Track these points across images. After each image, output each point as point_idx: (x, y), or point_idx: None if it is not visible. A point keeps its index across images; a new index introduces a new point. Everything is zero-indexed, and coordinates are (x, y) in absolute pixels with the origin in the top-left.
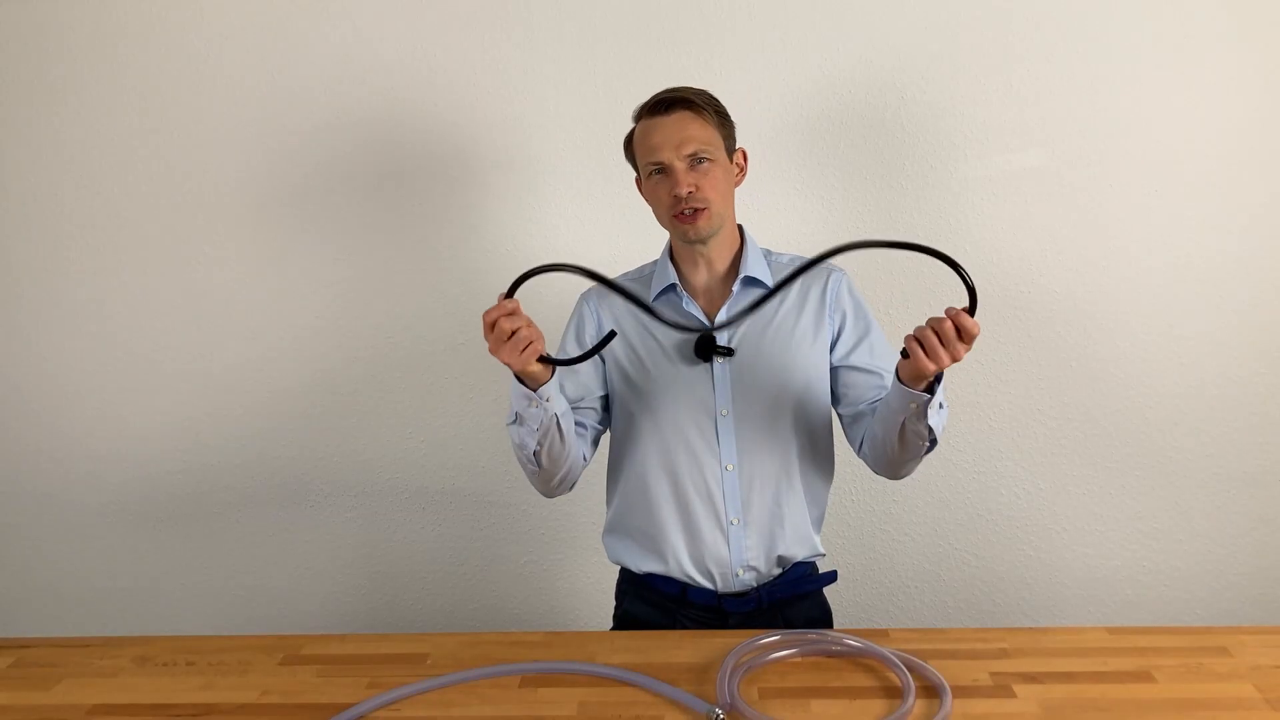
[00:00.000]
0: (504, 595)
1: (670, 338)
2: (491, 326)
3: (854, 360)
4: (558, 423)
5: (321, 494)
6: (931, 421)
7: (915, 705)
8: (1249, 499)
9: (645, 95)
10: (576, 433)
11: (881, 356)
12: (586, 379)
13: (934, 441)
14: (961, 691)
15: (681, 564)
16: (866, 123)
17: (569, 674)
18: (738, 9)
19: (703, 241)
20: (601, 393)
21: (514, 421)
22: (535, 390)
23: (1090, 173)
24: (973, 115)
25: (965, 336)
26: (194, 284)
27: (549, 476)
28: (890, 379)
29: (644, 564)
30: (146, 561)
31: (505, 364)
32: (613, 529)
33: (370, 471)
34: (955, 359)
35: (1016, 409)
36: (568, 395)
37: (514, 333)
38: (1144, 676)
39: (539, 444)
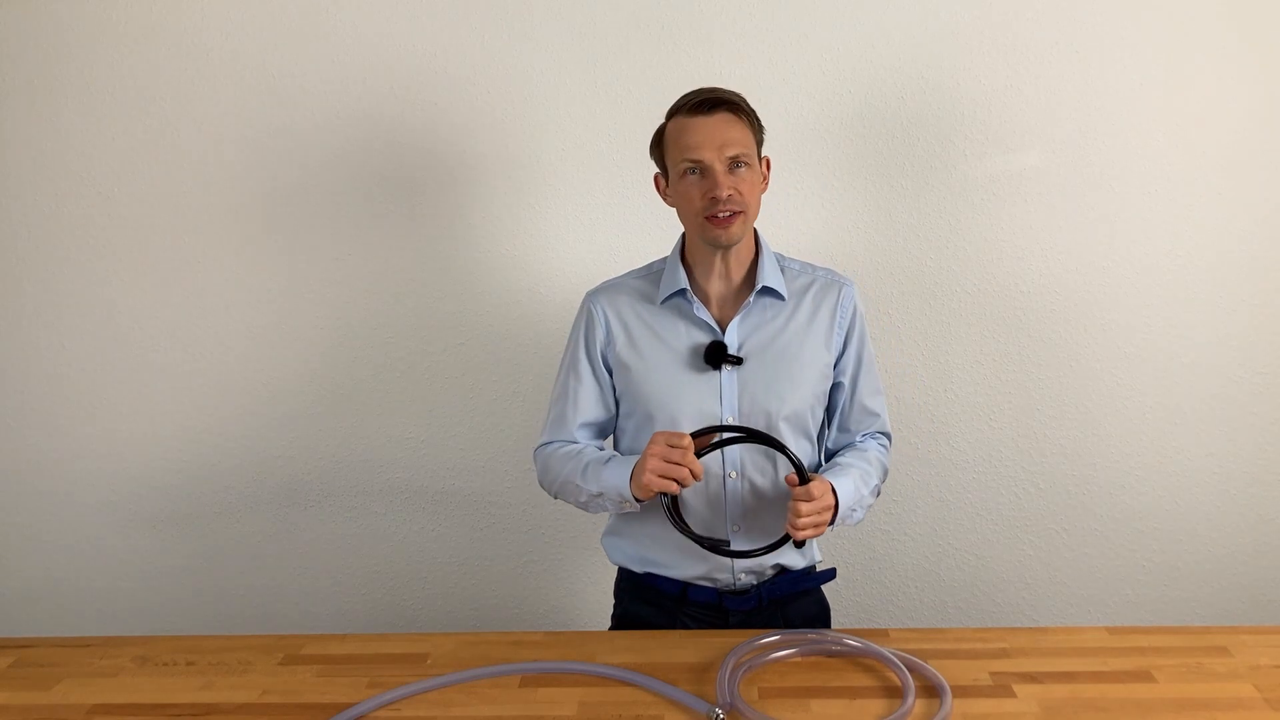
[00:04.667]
0: (504, 595)
1: (680, 344)
2: (664, 459)
3: (844, 381)
4: None
5: (321, 494)
6: (850, 522)
7: (915, 705)
8: (1249, 499)
9: (646, 96)
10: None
11: (865, 390)
12: (594, 406)
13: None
14: (961, 691)
15: (682, 567)
16: (866, 123)
17: (569, 674)
18: (737, 10)
19: (730, 246)
20: (609, 416)
21: (597, 495)
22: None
23: (1090, 173)
24: (973, 115)
25: (803, 510)
26: (194, 284)
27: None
28: (874, 411)
29: (645, 565)
30: (146, 561)
31: (647, 478)
32: (614, 531)
33: (370, 471)
34: (815, 526)
35: (1016, 409)
36: (579, 417)
37: (674, 472)
38: (1144, 676)
39: (603, 507)
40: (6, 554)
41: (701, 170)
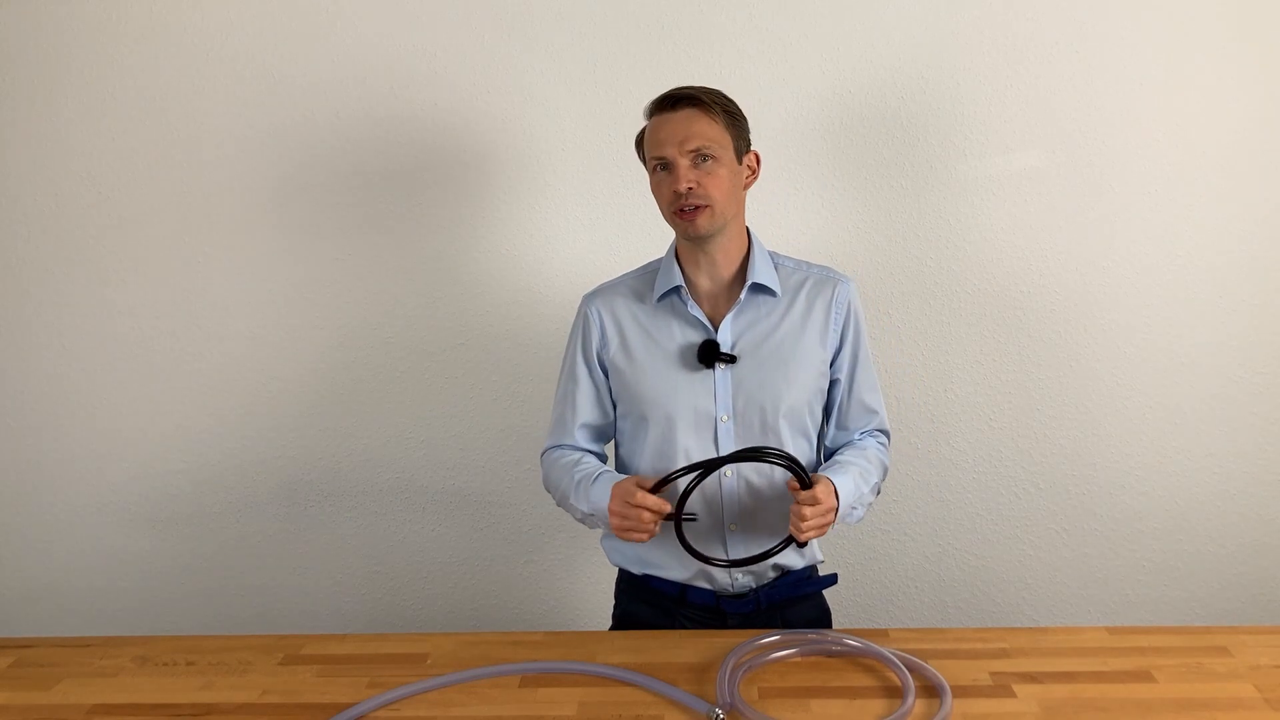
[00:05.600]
0: (504, 595)
1: (673, 343)
2: (630, 523)
3: (841, 378)
4: None
5: (321, 494)
6: (851, 520)
7: (915, 705)
8: (1249, 499)
9: (646, 96)
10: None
11: (863, 387)
12: (591, 409)
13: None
14: (961, 691)
15: (680, 569)
16: (867, 123)
17: (569, 674)
18: (738, 10)
19: (703, 239)
20: (607, 420)
21: (590, 514)
22: None
23: (1090, 173)
24: (973, 115)
25: (807, 515)
26: (194, 284)
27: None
28: (872, 408)
29: (643, 566)
30: (146, 561)
31: (615, 532)
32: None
33: (370, 471)
34: (819, 528)
35: (1016, 409)
36: (577, 420)
37: (630, 526)
38: (1144, 676)
39: (594, 527)
40: (6, 554)
41: (666, 166)
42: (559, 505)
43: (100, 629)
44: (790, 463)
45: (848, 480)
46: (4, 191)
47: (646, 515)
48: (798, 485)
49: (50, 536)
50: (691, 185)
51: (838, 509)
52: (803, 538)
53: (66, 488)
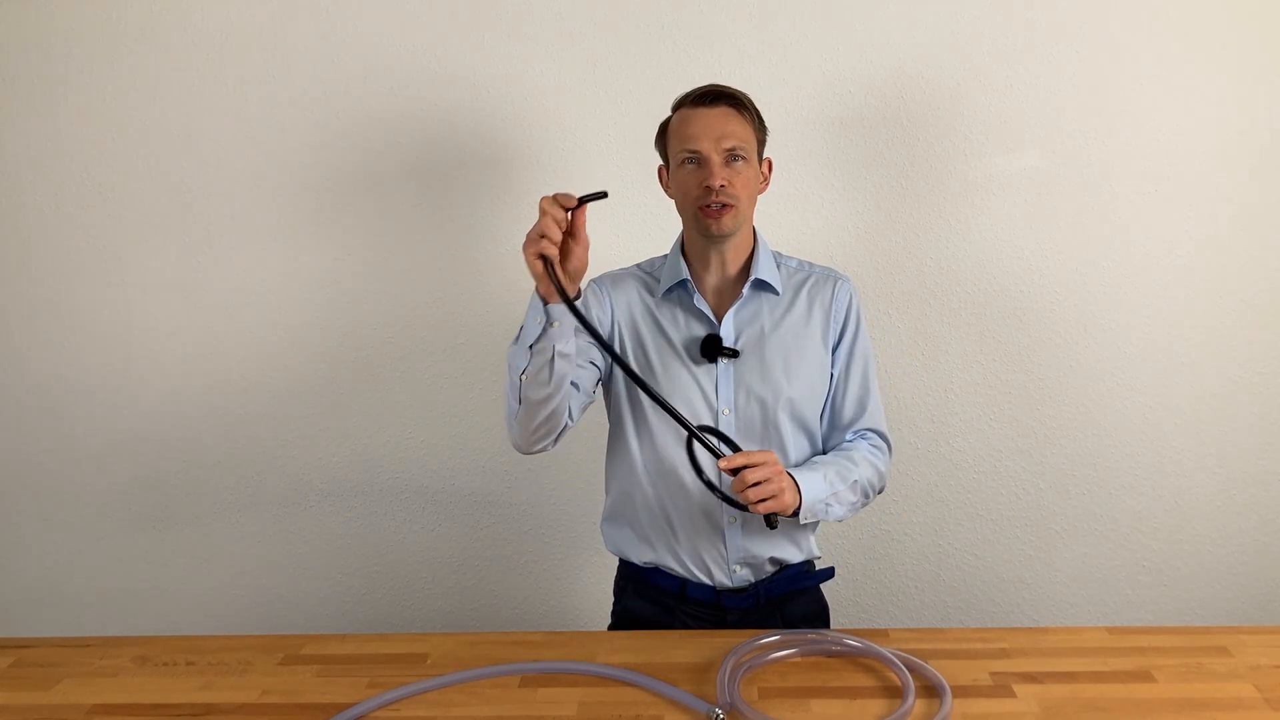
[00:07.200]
0: (504, 595)
1: (678, 336)
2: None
3: (835, 372)
4: (553, 356)
5: (321, 494)
6: (829, 517)
7: (915, 705)
8: (1249, 499)
9: (646, 96)
10: (569, 387)
11: (856, 382)
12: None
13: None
14: (961, 691)
15: (680, 557)
16: (867, 123)
17: (569, 674)
18: (738, 10)
19: (723, 238)
20: (602, 362)
21: (516, 340)
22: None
23: (1090, 173)
24: (973, 115)
25: (744, 482)
26: (194, 284)
27: (527, 421)
28: (863, 403)
29: (644, 555)
30: (146, 561)
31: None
32: (612, 517)
33: (370, 471)
34: (768, 491)
35: (1016, 409)
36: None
37: (543, 235)
38: (1144, 676)
39: (526, 367)
40: (6, 554)
41: (698, 160)
42: (507, 401)
43: (100, 629)
44: (710, 447)
45: (815, 475)
46: (4, 192)
47: (546, 224)
48: (722, 463)
49: (50, 536)
50: (724, 183)
51: (801, 496)
52: (756, 508)
53: (66, 488)
